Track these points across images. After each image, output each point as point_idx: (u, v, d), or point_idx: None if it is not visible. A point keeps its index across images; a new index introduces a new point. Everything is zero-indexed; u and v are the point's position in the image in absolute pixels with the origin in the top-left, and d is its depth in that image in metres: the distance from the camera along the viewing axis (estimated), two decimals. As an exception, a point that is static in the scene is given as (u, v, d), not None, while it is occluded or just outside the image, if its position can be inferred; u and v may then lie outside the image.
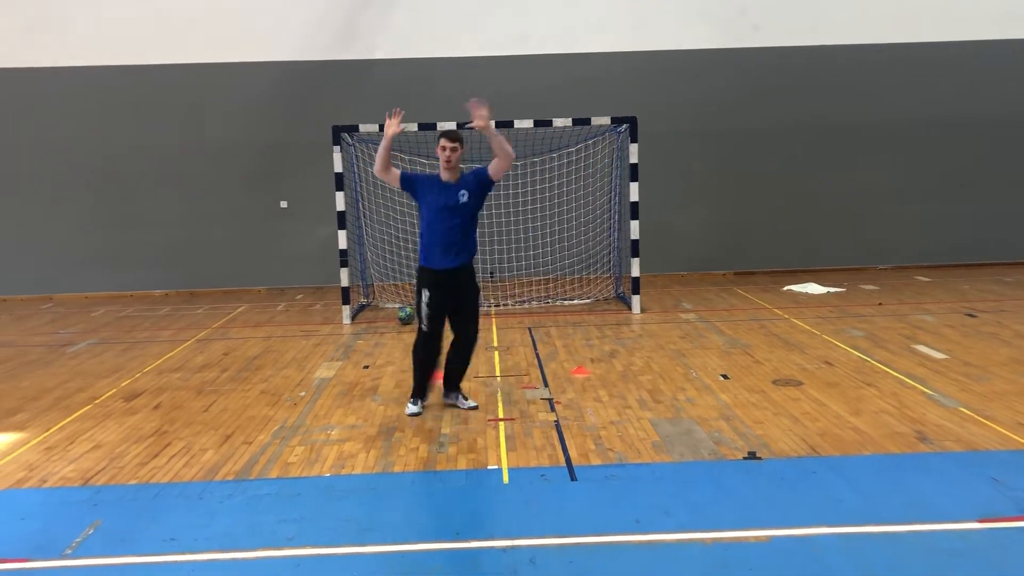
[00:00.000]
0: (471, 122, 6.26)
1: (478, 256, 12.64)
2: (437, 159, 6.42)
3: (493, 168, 6.35)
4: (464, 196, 6.32)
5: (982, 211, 13.50)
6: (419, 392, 6.57)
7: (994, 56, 13.27)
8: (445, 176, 6.37)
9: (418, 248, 6.51)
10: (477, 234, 6.63)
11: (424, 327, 6.45)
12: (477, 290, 6.67)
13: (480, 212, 6.56)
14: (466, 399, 6.63)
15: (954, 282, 12.07)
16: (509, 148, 6.24)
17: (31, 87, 12.83)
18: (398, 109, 6.36)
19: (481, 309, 10.84)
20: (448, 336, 6.59)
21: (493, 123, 6.22)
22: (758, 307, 10.63)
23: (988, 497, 4.58)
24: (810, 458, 5.28)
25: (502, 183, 12.13)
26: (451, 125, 10.29)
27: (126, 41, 12.79)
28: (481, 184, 6.39)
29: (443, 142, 6.33)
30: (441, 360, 6.61)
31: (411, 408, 6.49)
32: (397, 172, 6.46)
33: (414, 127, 10.37)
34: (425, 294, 6.36)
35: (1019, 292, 11.11)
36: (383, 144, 6.30)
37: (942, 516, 4.37)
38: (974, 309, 10.00)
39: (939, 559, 3.94)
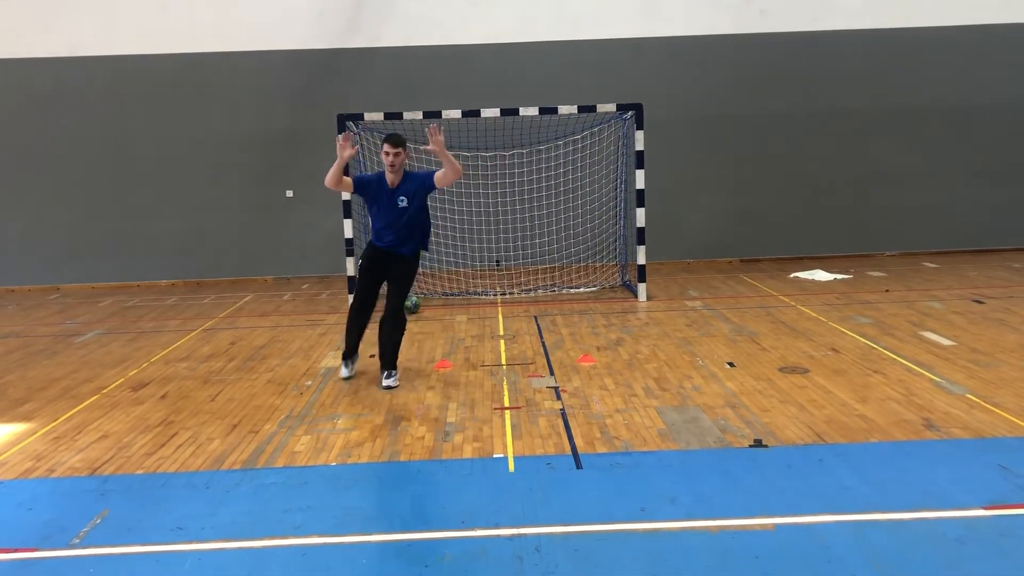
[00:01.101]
0: (427, 146, 6.74)
1: (484, 244, 12.68)
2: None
3: (439, 177, 6.83)
4: (403, 201, 6.84)
5: (990, 197, 13.43)
6: (346, 352, 7.23)
7: (1003, 41, 13.16)
8: (389, 178, 6.84)
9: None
10: (428, 227, 7.14)
11: (354, 295, 7.20)
12: (410, 276, 7.11)
13: (426, 208, 7.06)
14: (388, 376, 6.94)
15: (962, 268, 12.02)
16: (457, 165, 6.77)
17: (36, 78, 12.83)
18: (347, 133, 6.77)
19: (488, 297, 10.90)
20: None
21: (444, 147, 6.70)
22: (764, 294, 10.60)
23: (995, 484, 4.56)
24: (816, 446, 5.27)
25: (509, 171, 12.12)
26: (456, 113, 10.30)
27: (132, 31, 12.77)
28: (424, 188, 6.89)
29: (386, 147, 6.81)
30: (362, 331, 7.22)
31: (343, 371, 7.23)
32: (349, 180, 6.91)
33: (419, 115, 10.36)
34: (359, 263, 7.04)
35: (1027, 278, 11.06)
36: (337, 165, 6.68)
37: (949, 503, 4.36)
38: (982, 295, 9.96)
39: (946, 546, 3.94)
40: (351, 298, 7.10)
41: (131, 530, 4.37)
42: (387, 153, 6.75)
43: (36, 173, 13.01)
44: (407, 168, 6.96)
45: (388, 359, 6.99)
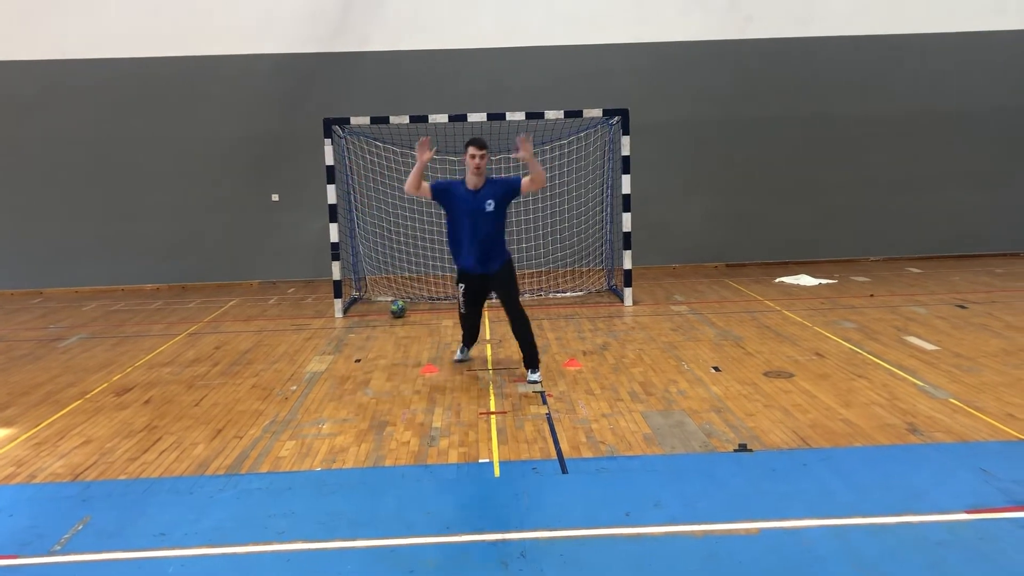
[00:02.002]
0: (515, 151, 6.82)
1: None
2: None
3: (526, 183, 6.90)
4: (490, 205, 6.81)
5: (974, 202, 13.54)
6: (465, 341, 7.72)
7: (986, 48, 13.28)
8: (472, 182, 6.83)
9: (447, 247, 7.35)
10: (505, 238, 7.19)
11: (462, 309, 7.33)
12: (512, 283, 7.15)
13: (507, 220, 7.11)
14: (533, 373, 7.02)
15: (945, 274, 12.10)
16: (543, 174, 6.93)
17: (22, 80, 12.74)
18: (426, 138, 6.88)
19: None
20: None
21: (532, 154, 6.82)
22: (750, 299, 10.64)
23: (977, 488, 4.60)
24: (801, 450, 5.29)
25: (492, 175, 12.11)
26: (443, 117, 10.28)
27: (117, 34, 12.70)
28: (508, 193, 6.92)
29: (471, 150, 6.77)
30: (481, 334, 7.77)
31: (457, 353, 7.74)
32: (427, 185, 6.92)
33: (405, 119, 10.35)
34: (460, 287, 7.17)
35: (1010, 283, 11.15)
36: (416, 169, 6.83)
37: (932, 507, 4.38)
38: (965, 300, 10.03)
39: (928, 550, 3.96)
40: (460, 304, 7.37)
41: (113, 536, 4.34)
42: (472, 156, 6.74)
43: (20, 176, 12.91)
44: (492, 176, 7.05)
45: (528, 359, 7.09)
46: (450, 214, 6.97)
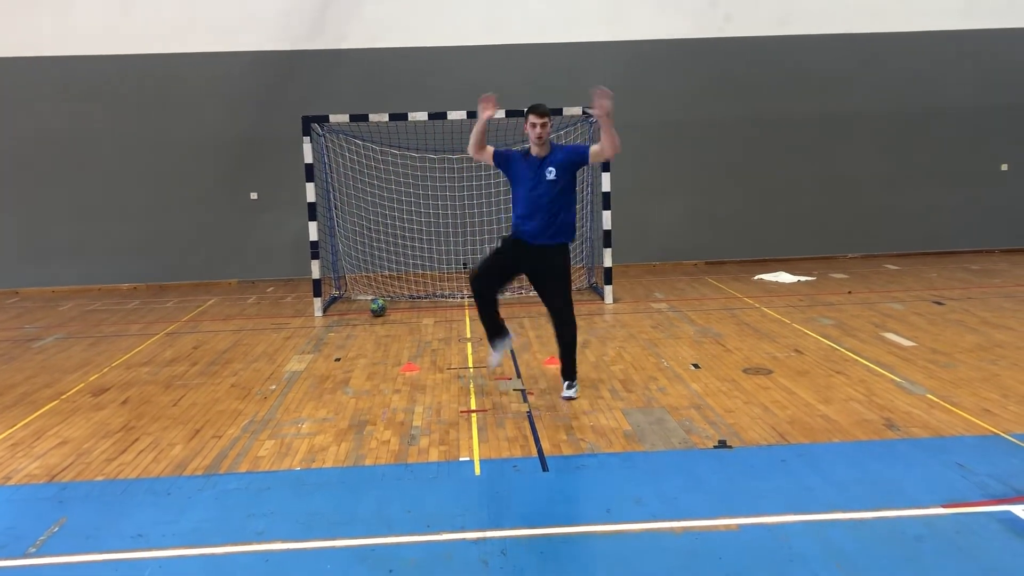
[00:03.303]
0: (591, 107, 6.06)
1: (451, 247, 12.67)
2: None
3: (595, 151, 6.26)
4: (551, 173, 6.21)
5: (950, 200, 13.68)
6: (489, 339, 6.68)
7: (961, 47, 13.42)
8: (535, 151, 6.30)
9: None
10: (575, 214, 6.44)
11: (476, 270, 6.53)
12: (564, 277, 6.43)
13: (575, 191, 6.40)
14: (569, 387, 6.45)
15: (922, 270, 12.22)
16: (617, 140, 6.14)
17: (-6, 77, 12.60)
18: (491, 95, 6.19)
19: (455, 300, 10.89)
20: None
21: (608, 113, 6.03)
22: (729, 296, 10.69)
23: (953, 483, 4.64)
24: (780, 446, 5.32)
25: (475, 173, 12.10)
26: (422, 115, 10.25)
27: (91, 31, 12.58)
28: (573, 161, 6.28)
29: (532, 118, 6.20)
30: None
31: (490, 360, 6.84)
32: (491, 149, 6.39)
33: (385, 117, 10.32)
34: (497, 243, 6.42)
35: (985, 280, 11.27)
36: (478, 127, 6.22)
37: (908, 502, 4.42)
38: (941, 297, 10.13)
39: (906, 544, 3.99)
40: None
41: (90, 538, 4.29)
42: (533, 125, 6.17)
43: (-7, 175, 12.77)
44: (552, 142, 6.39)
45: (565, 368, 6.48)
46: (512, 184, 6.40)
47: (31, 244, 12.90)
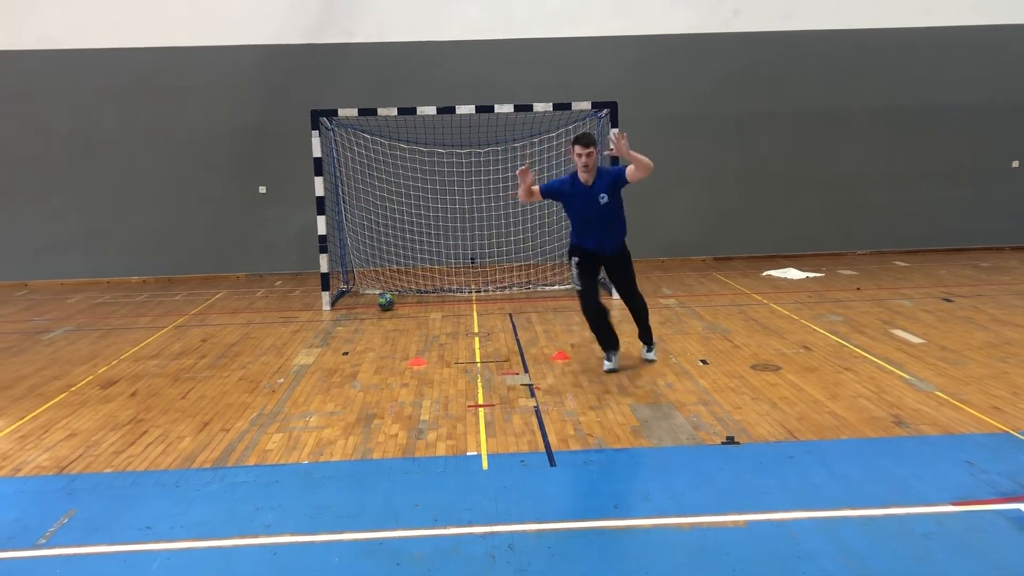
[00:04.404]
0: (610, 150, 6.71)
1: (459, 242, 12.67)
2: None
3: (631, 172, 6.80)
4: (604, 199, 6.87)
5: (960, 196, 13.62)
6: (603, 347, 7.20)
7: (972, 42, 13.33)
8: (583, 177, 6.89)
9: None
10: (624, 218, 7.15)
11: (577, 285, 7.18)
12: (629, 264, 7.25)
13: (622, 200, 7.06)
14: (649, 351, 7.41)
15: (932, 267, 12.17)
16: (647, 161, 6.70)
17: (6, 71, 12.62)
18: (524, 168, 6.90)
19: (463, 295, 10.90)
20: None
21: (627, 150, 6.67)
22: (737, 292, 10.67)
23: (962, 480, 4.62)
24: (788, 443, 5.31)
25: (484, 168, 12.10)
26: (431, 109, 10.25)
27: (102, 25, 12.60)
28: (617, 183, 6.92)
29: (577, 149, 6.79)
30: (610, 319, 7.23)
31: (605, 364, 7.19)
32: (537, 189, 7.04)
33: (393, 111, 10.31)
34: (574, 260, 7.15)
35: (995, 277, 11.21)
36: (523, 190, 6.96)
37: (918, 499, 4.40)
38: (951, 294, 10.08)
39: (914, 542, 3.98)
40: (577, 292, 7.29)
41: (99, 530, 4.31)
42: (579, 155, 6.80)
43: (3, 168, 12.80)
44: (599, 166, 7.03)
45: (645, 336, 7.39)
46: (567, 208, 7.09)
47: (40, 237, 12.94)
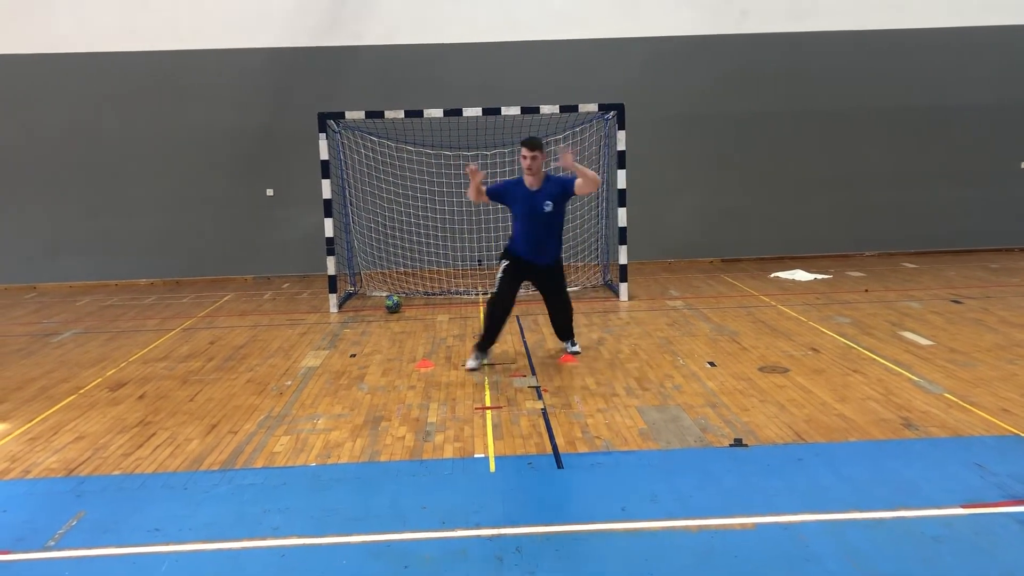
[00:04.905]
0: (557, 162, 6.95)
1: (466, 244, 12.69)
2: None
3: (579, 186, 7.06)
4: (548, 206, 7.03)
5: (969, 198, 13.56)
6: (481, 345, 7.32)
7: (981, 42, 13.29)
8: (529, 181, 7.02)
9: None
10: (561, 235, 7.44)
11: (495, 289, 7.33)
12: (562, 276, 7.53)
13: (566, 217, 7.38)
14: (573, 344, 7.67)
15: (940, 269, 12.12)
16: (595, 175, 7.08)
17: (13, 75, 12.69)
18: (473, 167, 7.16)
19: (469, 297, 10.90)
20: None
21: (574, 163, 6.97)
22: (745, 294, 10.65)
23: (972, 483, 4.60)
24: (796, 445, 5.30)
25: (490, 170, 12.11)
26: (438, 112, 10.27)
27: (109, 28, 12.65)
28: (564, 195, 7.13)
29: (523, 151, 7.01)
30: (504, 329, 7.47)
31: (470, 362, 7.29)
32: (483, 189, 7.25)
33: (400, 114, 10.33)
34: (503, 264, 7.27)
35: (1004, 278, 11.17)
36: (473, 188, 7.17)
37: (927, 502, 4.39)
38: (960, 296, 10.05)
39: (924, 545, 3.96)
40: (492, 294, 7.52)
41: (108, 531, 4.32)
42: (524, 157, 6.96)
43: (11, 170, 12.86)
44: (550, 173, 7.21)
45: (567, 333, 7.67)
46: (511, 211, 7.24)
47: (49, 240, 13.00)
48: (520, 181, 7.14)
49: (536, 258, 7.21)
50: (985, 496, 4.42)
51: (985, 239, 13.71)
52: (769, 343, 8.00)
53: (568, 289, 7.75)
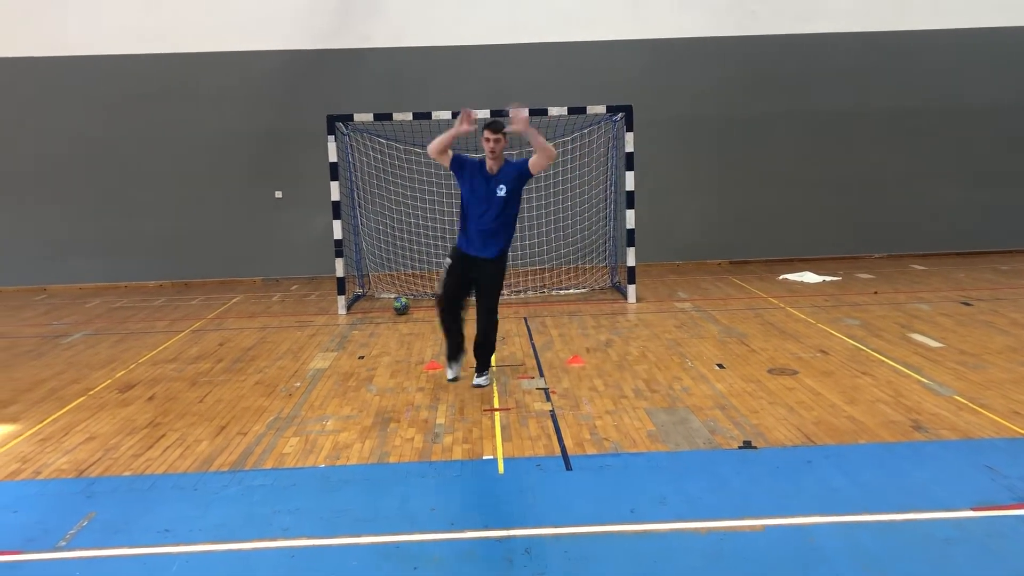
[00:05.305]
0: (511, 125, 6.57)
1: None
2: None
3: (533, 163, 6.64)
4: (502, 190, 6.64)
5: (978, 199, 13.51)
6: (448, 356, 7.07)
7: (990, 45, 13.24)
8: (489, 164, 6.70)
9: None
10: (516, 228, 6.94)
11: (439, 290, 7.04)
12: (500, 275, 6.90)
13: (520, 202, 6.86)
14: (480, 375, 6.93)
15: (950, 270, 12.08)
16: (549, 146, 6.58)
17: (25, 77, 12.76)
18: (471, 112, 6.62)
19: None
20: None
21: (530, 125, 6.57)
22: (754, 296, 10.63)
23: (982, 485, 4.58)
24: (805, 447, 5.28)
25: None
26: (446, 114, 10.27)
27: (120, 31, 12.72)
28: (520, 177, 6.71)
29: (486, 133, 6.59)
30: (463, 330, 7.01)
31: (447, 373, 7.07)
32: (451, 154, 6.73)
33: (409, 116, 10.34)
34: (447, 262, 6.88)
35: (1015, 280, 11.12)
36: (447, 135, 6.58)
37: (937, 504, 4.37)
38: (970, 297, 10.01)
39: (934, 547, 3.95)
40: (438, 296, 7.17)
41: (118, 532, 4.34)
42: (487, 139, 6.54)
43: (22, 173, 12.93)
44: (506, 157, 6.79)
45: (481, 360, 6.97)
46: (463, 190, 6.75)
47: (59, 242, 13.06)
48: (481, 163, 6.71)
49: (481, 251, 6.68)
50: (996, 498, 4.40)
51: (995, 241, 13.65)
52: (778, 345, 7.98)
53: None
